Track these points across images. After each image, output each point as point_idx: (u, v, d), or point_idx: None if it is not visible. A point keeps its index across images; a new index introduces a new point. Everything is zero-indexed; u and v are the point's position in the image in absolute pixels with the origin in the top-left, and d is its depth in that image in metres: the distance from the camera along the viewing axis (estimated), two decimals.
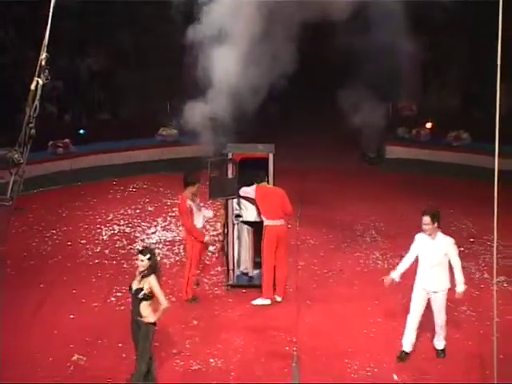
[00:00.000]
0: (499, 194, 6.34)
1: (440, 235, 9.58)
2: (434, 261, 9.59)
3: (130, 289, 8.65)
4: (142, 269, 8.50)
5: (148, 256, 8.51)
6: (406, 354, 10.00)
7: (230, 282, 12.08)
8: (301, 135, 18.09)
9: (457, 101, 19.34)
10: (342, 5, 13.03)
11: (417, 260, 9.82)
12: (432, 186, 16.53)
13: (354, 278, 12.73)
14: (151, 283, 8.46)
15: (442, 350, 10.09)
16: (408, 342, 9.97)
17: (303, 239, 14.02)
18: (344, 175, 17.65)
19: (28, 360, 9.97)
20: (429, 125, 19.39)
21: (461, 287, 9.51)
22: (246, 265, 12.19)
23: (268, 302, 11.63)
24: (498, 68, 6.17)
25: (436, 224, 9.45)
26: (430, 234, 9.55)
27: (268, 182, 11.70)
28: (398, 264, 13.15)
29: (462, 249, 11.20)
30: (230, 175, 11.91)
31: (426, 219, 9.42)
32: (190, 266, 11.65)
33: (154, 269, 8.55)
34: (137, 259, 8.82)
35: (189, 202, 11.40)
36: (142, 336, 8.60)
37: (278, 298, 11.72)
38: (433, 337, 10.12)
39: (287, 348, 10.38)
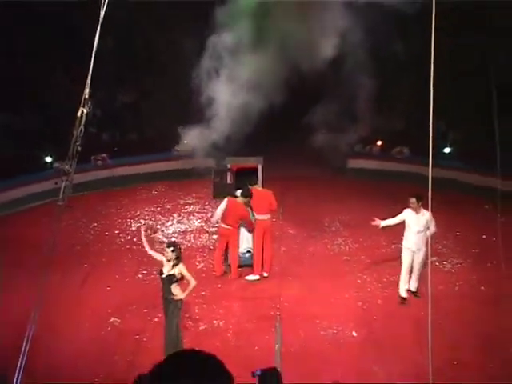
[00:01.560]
0: (432, 195, 6.38)
1: (423, 210, 10.27)
2: (420, 228, 10.32)
3: (162, 273, 8.66)
4: (168, 258, 8.55)
5: (172, 249, 8.58)
6: (404, 299, 10.74)
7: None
8: (283, 150, 18.10)
9: (400, 124, 19.35)
10: (323, 52, 13.03)
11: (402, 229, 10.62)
12: (381, 188, 16.59)
13: (323, 259, 12.76)
14: (181, 270, 8.52)
15: (415, 292, 10.76)
16: (404, 290, 10.69)
17: (285, 230, 14.04)
18: (316, 181, 17.68)
19: (76, 320, 9.99)
20: (379, 142, 19.46)
21: (432, 231, 10.05)
22: (244, 247, 12.11)
23: (257, 277, 11.66)
24: (431, 100, 6.23)
25: (420, 203, 10.23)
26: (415, 210, 10.33)
27: (257, 185, 11.73)
28: (356, 248, 13.30)
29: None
30: (228, 181, 11.97)
31: (413, 200, 10.32)
32: (236, 251, 11.75)
33: (180, 258, 8.59)
34: (157, 246, 8.89)
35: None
36: (171, 311, 8.63)
37: (266, 274, 11.75)
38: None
39: (272, 312, 10.41)
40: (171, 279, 8.55)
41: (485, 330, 9.70)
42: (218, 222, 11.88)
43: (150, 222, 14.77)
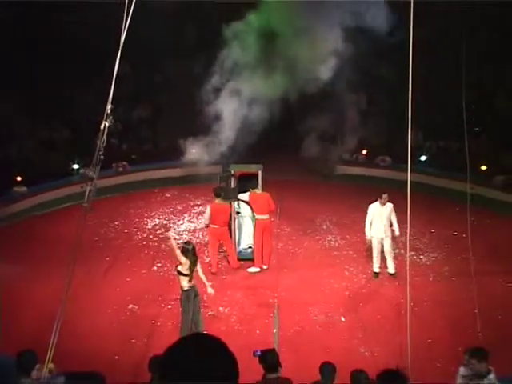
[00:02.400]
0: (410, 197, 6.40)
1: (387, 203, 10.87)
2: (385, 218, 10.89)
3: None
4: None
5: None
6: (377, 273, 11.26)
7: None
8: (281, 158, 18.04)
9: (383, 136, 19.34)
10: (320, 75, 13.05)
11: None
12: (366, 192, 16.48)
13: (315, 253, 12.75)
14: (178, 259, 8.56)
15: (394, 274, 11.10)
16: (376, 267, 11.20)
17: (281, 228, 14.03)
18: (309, 185, 17.64)
19: (99, 307, 10.01)
20: (364, 151, 19.42)
21: (397, 231, 10.95)
22: (246, 243, 12.14)
23: (258, 269, 11.65)
24: (409, 117, 6.25)
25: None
26: (383, 203, 10.87)
27: (258, 188, 11.73)
28: (344, 244, 13.25)
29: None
30: (232, 185, 11.94)
31: (386, 195, 10.92)
32: (231, 245, 11.80)
33: (183, 252, 8.57)
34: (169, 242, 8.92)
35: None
36: (183, 300, 8.66)
37: (265, 267, 11.74)
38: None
39: (271, 300, 10.41)
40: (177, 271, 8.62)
41: (455, 314, 9.74)
42: (207, 226, 11.80)
43: (164, 222, 14.79)
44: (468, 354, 6.06)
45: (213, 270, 11.50)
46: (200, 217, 15.15)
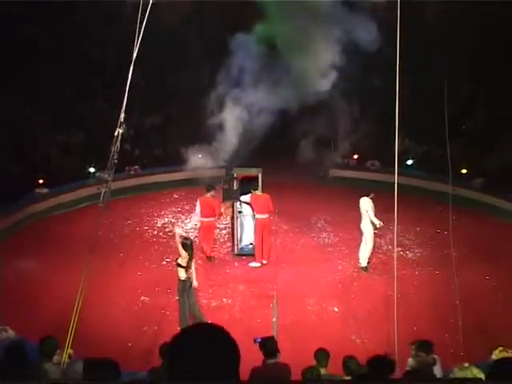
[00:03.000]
0: (398, 198, 6.41)
1: None
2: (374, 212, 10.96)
3: None
4: None
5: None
6: (366, 267, 11.13)
7: (235, 252, 12.08)
8: (279, 162, 18.01)
9: (373, 142, 19.29)
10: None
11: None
12: (357, 193, 16.48)
13: (310, 249, 12.74)
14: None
15: (366, 267, 11.08)
16: (366, 261, 11.08)
17: (280, 226, 14.01)
18: (305, 187, 17.60)
19: (113, 298, 10.01)
20: (355, 156, 19.38)
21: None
22: (248, 240, 12.16)
23: (258, 264, 11.65)
24: (396, 125, 6.26)
25: None
26: (371, 198, 10.93)
27: (258, 190, 11.74)
28: (337, 241, 13.23)
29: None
30: (235, 187, 11.95)
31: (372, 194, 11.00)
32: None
33: (183, 247, 8.58)
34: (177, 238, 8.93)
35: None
36: (180, 290, 8.68)
37: (265, 262, 11.73)
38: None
39: (270, 292, 10.41)
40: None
41: (439, 305, 9.76)
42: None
43: (172, 220, 14.79)
44: (415, 347, 6.04)
45: (208, 253, 11.61)
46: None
